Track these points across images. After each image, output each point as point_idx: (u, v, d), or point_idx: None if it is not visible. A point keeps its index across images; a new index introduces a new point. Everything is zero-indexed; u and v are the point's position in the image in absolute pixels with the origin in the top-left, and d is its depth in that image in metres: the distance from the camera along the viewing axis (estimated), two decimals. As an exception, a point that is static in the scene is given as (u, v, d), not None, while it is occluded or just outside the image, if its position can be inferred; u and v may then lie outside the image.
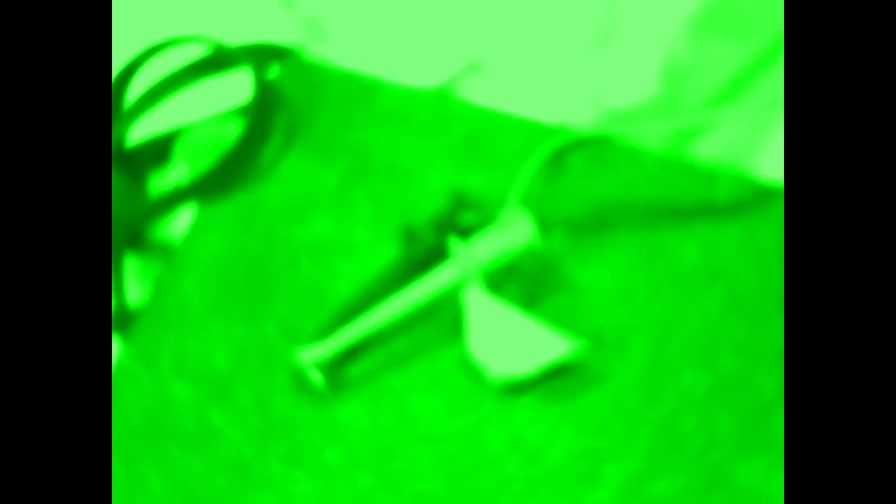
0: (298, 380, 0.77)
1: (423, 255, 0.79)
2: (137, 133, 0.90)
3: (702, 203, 0.82)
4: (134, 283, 0.83)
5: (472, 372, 0.76)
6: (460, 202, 0.81)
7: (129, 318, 0.81)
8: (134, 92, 0.92)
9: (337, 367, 0.78)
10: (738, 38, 0.88)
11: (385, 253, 0.82)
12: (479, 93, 0.89)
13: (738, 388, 0.74)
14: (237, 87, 0.90)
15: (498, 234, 0.76)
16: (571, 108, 0.87)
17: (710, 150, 0.84)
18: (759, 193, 0.81)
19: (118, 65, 0.91)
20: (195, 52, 0.92)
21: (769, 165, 0.82)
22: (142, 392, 0.78)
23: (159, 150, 0.89)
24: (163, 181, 0.88)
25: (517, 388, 0.76)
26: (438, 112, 0.88)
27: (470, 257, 0.75)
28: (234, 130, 0.86)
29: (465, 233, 0.78)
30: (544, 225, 0.79)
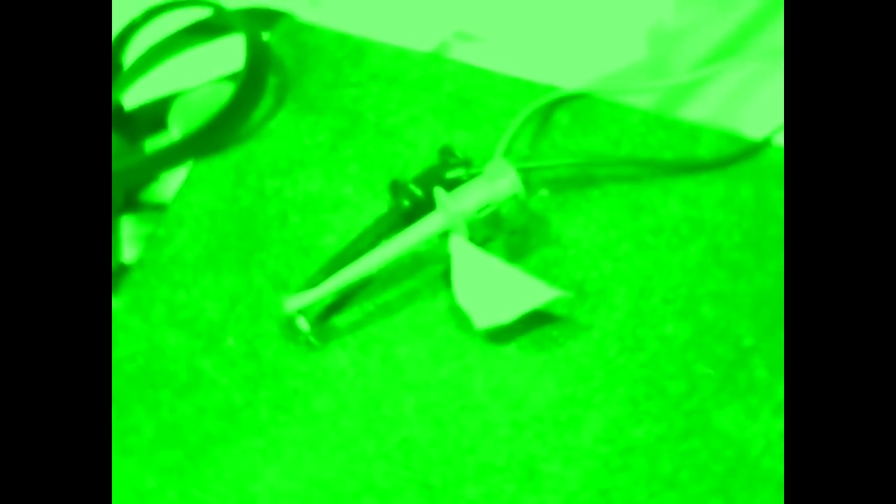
0: (287, 329, 0.78)
1: (410, 209, 0.80)
2: (134, 95, 0.92)
3: (684, 159, 0.83)
4: (129, 239, 0.85)
5: (457, 322, 0.77)
6: (447, 158, 0.83)
7: (122, 272, 0.82)
8: (131, 54, 0.93)
9: (325, 318, 0.79)
10: (723, 5, 0.90)
11: (372, 207, 0.83)
12: (468, 56, 0.90)
13: (718, 337, 0.76)
14: (232, 50, 0.91)
15: (482, 184, 0.77)
16: (559, 73, 0.88)
17: (694, 110, 0.85)
18: (741, 149, 0.82)
19: (117, 26, 0.92)
20: (193, 16, 0.93)
21: (751, 123, 0.84)
22: (134, 341, 0.80)
23: (155, 112, 0.91)
24: (158, 142, 0.89)
25: (501, 337, 0.77)
26: (426, 72, 0.90)
27: (454, 206, 0.76)
28: (227, 93, 0.88)
29: (452, 186, 0.79)
30: (529, 180, 0.80)
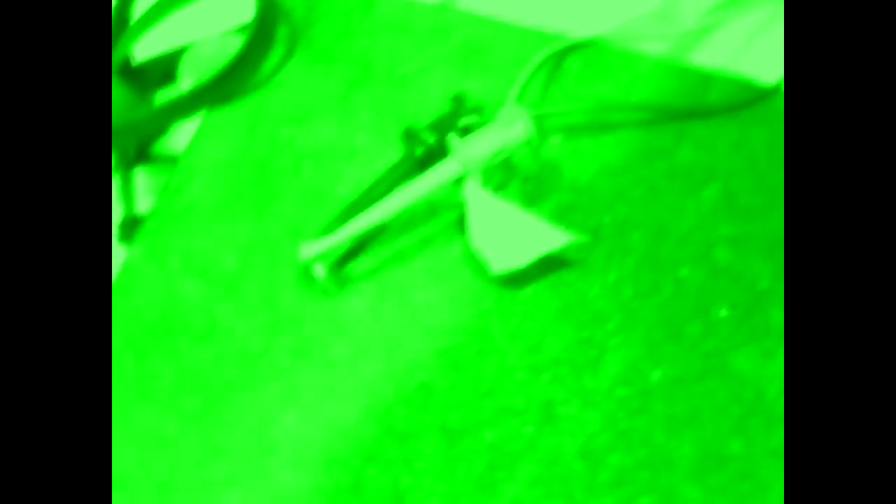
0: (304, 277, 0.78)
1: (424, 156, 0.80)
2: (143, 49, 0.91)
3: (697, 105, 0.83)
4: (142, 190, 0.85)
5: (473, 267, 0.77)
6: (459, 106, 0.83)
7: (136, 223, 0.82)
8: (139, 7, 0.93)
9: (341, 265, 0.79)
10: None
11: (386, 155, 0.83)
12: (478, 4, 0.90)
13: (733, 280, 0.76)
14: (241, 1, 0.91)
15: (495, 130, 0.77)
16: (569, 21, 0.88)
17: (704, 56, 0.85)
18: (753, 95, 0.82)
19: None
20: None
21: (763, 69, 0.84)
22: (151, 289, 0.80)
23: (165, 65, 0.90)
24: (168, 94, 0.89)
25: (517, 282, 0.77)
26: (436, 22, 0.90)
27: (468, 153, 0.76)
28: (236, 45, 0.87)
29: (465, 133, 0.79)
30: (542, 127, 0.80)
